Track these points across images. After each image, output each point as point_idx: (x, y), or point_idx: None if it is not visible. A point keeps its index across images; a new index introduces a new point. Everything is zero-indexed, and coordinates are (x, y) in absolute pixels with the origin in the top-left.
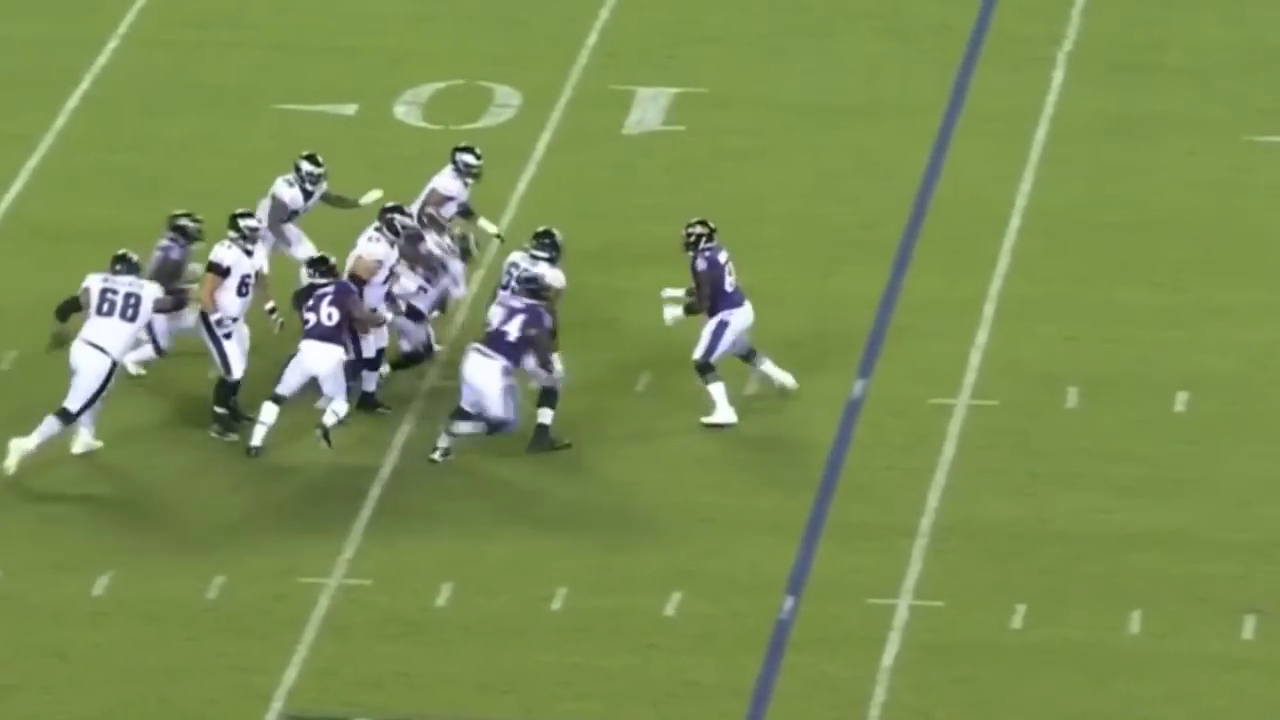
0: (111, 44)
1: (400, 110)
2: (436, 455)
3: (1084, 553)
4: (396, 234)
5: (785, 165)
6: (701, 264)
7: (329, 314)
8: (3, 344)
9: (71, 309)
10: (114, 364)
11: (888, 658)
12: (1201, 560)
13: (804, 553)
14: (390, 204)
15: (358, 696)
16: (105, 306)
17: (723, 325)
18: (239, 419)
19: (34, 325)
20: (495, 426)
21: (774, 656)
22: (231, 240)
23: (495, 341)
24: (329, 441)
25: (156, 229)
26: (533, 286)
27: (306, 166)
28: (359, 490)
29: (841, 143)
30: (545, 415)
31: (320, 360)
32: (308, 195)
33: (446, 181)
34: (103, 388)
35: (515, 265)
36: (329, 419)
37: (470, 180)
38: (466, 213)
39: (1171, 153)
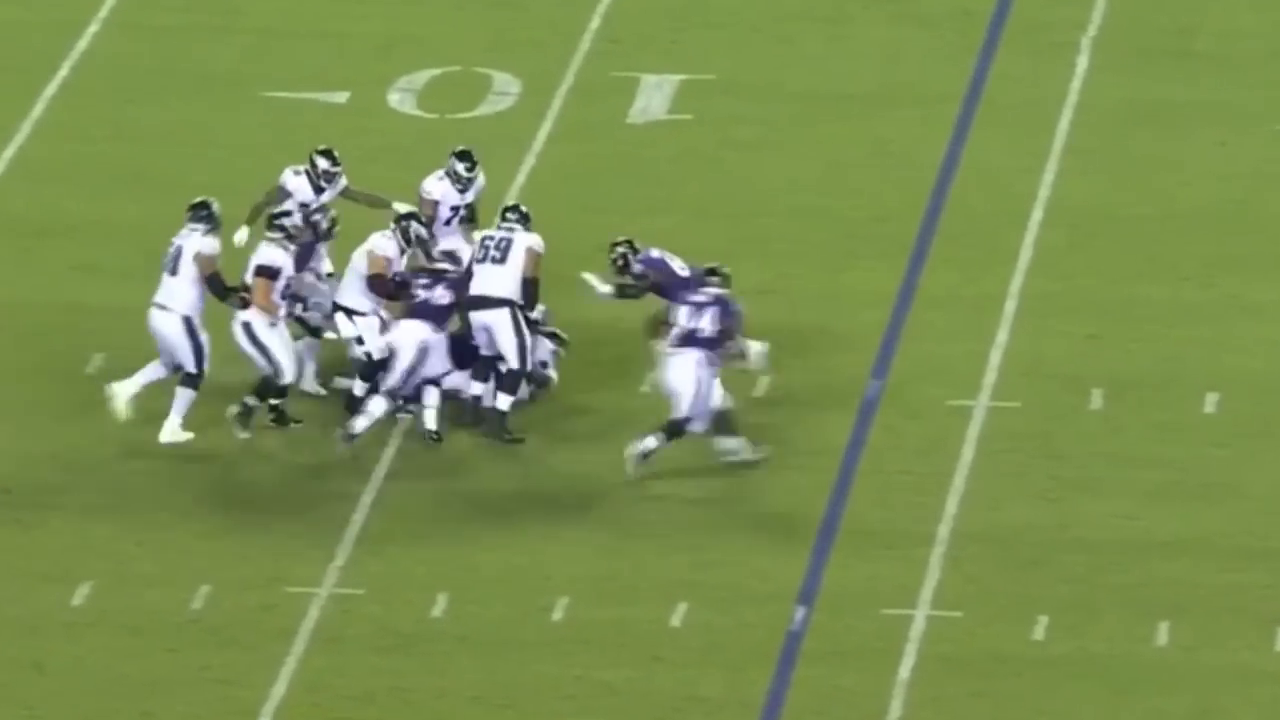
0: (91, 28)
1: (394, 98)
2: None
3: (1108, 561)
4: (409, 243)
5: (796, 156)
6: (639, 267)
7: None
8: None
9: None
10: (186, 319)
11: (904, 671)
12: (1231, 569)
13: (816, 561)
14: (407, 210)
15: (349, 712)
16: (166, 261)
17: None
18: (285, 422)
19: (15, 324)
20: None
21: (785, 669)
22: (274, 240)
23: (689, 339)
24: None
25: (141, 223)
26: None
27: (323, 164)
28: (351, 495)
29: (855, 132)
30: (504, 401)
31: (408, 337)
32: (319, 191)
33: (432, 184)
34: (194, 344)
35: (490, 238)
36: (361, 421)
37: (461, 188)
38: (469, 219)
39: (1200, 143)
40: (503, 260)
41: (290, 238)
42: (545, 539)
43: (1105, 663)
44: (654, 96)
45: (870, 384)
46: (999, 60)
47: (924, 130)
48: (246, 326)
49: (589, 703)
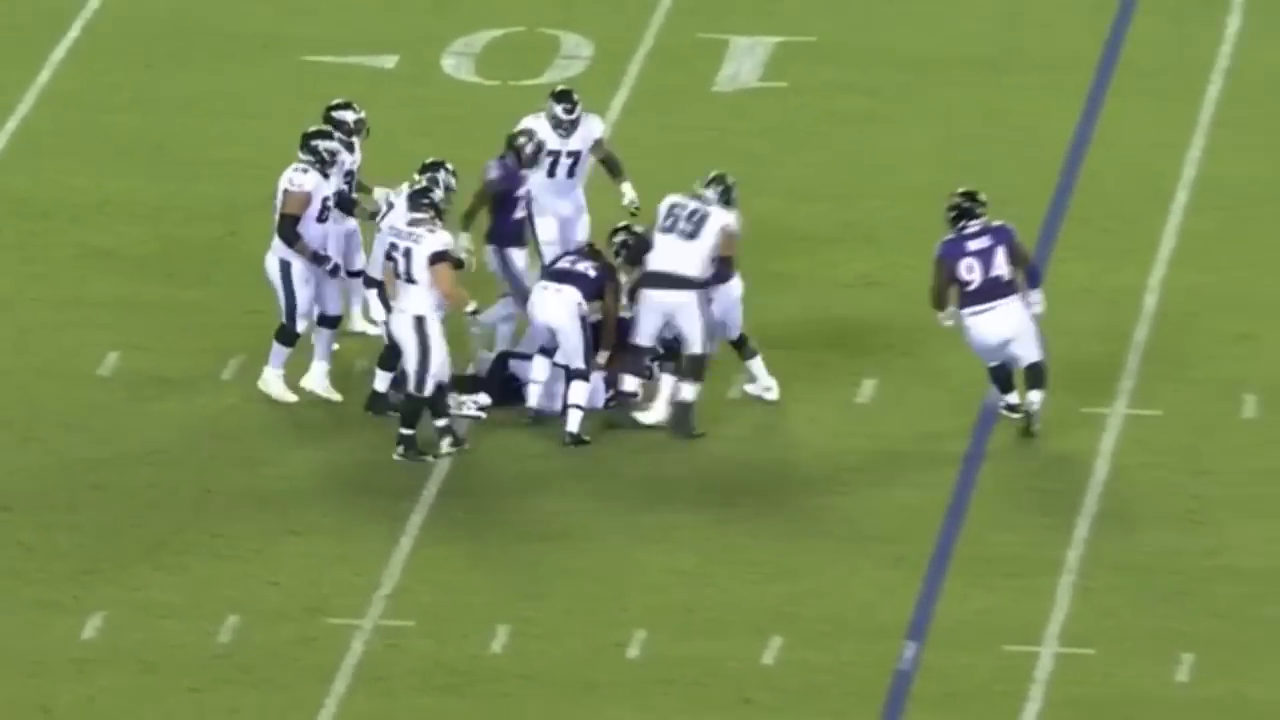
0: None
1: (449, 63)
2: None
3: (1263, 592)
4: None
5: (907, 129)
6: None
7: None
8: None
9: None
10: (281, 261)
11: (1028, 716)
12: None
13: (928, 591)
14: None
15: None
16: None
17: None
18: (444, 428)
19: (19, 318)
20: None
21: (892, 714)
22: (436, 223)
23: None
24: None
25: (159, 199)
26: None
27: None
28: (399, 514)
29: (973, 102)
30: (691, 391)
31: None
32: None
33: (531, 120)
34: (286, 287)
35: (679, 206)
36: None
37: (564, 133)
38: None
39: None
40: (694, 235)
41: (440, 215)
42: (618, 565)
43: (1259, 708)
44: (745, 61)
45: (990, 389)
46: (1138, 20)
47: (1052, 99)
48: (420, 321)
49: None
